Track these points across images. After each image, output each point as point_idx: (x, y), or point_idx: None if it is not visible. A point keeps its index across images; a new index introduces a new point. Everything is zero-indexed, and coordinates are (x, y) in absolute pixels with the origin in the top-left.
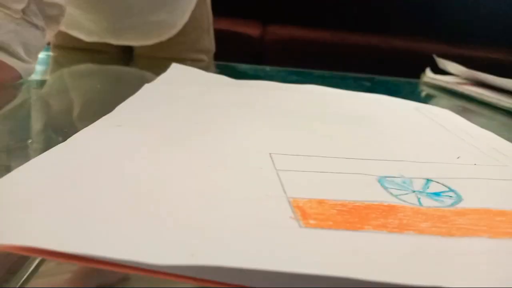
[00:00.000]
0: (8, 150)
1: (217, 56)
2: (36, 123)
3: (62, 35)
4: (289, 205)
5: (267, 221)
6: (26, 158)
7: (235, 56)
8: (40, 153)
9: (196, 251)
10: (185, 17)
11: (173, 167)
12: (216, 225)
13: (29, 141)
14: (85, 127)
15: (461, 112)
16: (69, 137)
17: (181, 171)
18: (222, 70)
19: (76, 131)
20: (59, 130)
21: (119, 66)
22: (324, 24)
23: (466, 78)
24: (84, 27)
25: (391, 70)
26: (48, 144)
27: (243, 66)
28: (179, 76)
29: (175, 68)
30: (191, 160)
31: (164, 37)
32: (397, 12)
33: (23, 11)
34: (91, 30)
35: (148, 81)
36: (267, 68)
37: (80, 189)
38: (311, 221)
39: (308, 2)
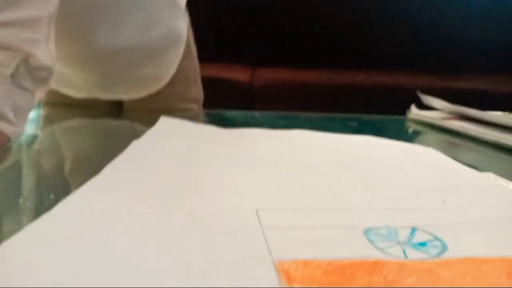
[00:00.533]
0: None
1: (208, 103)
2: (27, 183)
3: (51, 92)
4: (275, 270)
5: None
6: (17, 217)
7: (227, 101)
8: (31, 213)
9: None
10: (172, 70)
11: (158, 234)
12: None
13: (21, 200)
14: (75, 185)
15: (447, 148)
16: (60, 196)
17: (165, 239)
18: (211, 119)
19: (67, 188)
20: (51, 189)
21: (109, 120)
22: (311, 65)
23: (450, 113)
24: (73, 84)
25: (378, 108)
26: (39, 203)
27: (232, 113)
28: (166, 131)
29: (163, 122)
30: (176, 225)
31: (152, 89)
32: (381, 47)
33: (12, 75)
34: (80, 87)
35: (139, 133)
36: (256, 113)
37: (64, 264)
38: (295, 284)
39: (296, 43)
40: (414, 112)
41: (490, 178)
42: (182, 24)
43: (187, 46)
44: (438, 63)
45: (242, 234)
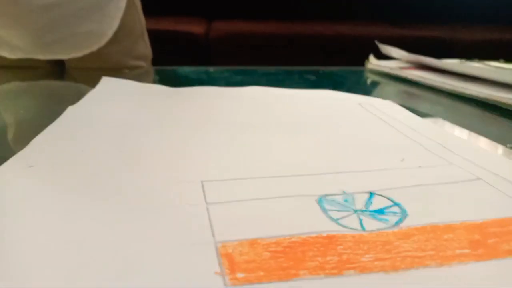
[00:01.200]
0: None
1: (161, 59)
2: None
3: None
4: (216, 254)
5: (188, 280)
6: None
7: (182, 57)
8: None
9: None
10: (115, 25)
11: (81, 219)
12: None
13: None
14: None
15: (405, 98)
16: None
17: (90, 224)
18: (162, 76)
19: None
20: None
21: (50, 81)
22: (269, 16)
23: (409, 62)
24: (5, 44)
25: (337, 59)
26: None
27: (185, 69)
28: (107, 93)
29: (105, 83)
30: (110, 206)
31: (94, 47)
32: None
33: None
34: (14, 47)
35: (83, 94)
36: (211, 69)
37: None
38: (239, 275)
39: None
40: (373, 62)
41: (451, 133)
42: None
43: None
44: (396, 12)
45: (183, 212)
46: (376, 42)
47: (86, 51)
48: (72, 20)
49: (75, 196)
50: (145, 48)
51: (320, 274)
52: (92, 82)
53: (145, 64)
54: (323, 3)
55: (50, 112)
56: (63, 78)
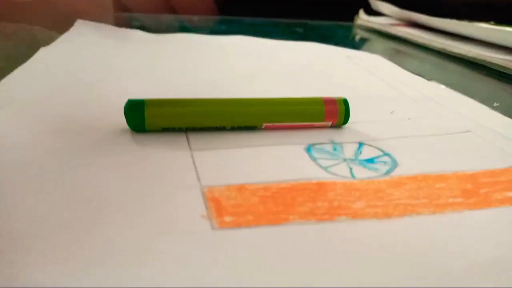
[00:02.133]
0: None
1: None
2: None
3: None
4: (203, 198)
5: (173, 224)
6: None
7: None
8: None
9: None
10: None
11: (65, 159)
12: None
13: None
14: None
15: (394, 55)
16: None
17: (65, 161)
18: (142, 23)
19: None
20: None
21: (3, 24)
22: None
23: (399, 19)
24: None
25: (327, 13)
26: None
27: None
28: (83, 35)
29: (80, 26)
30: (85, 146)
31: None
32: None
33: None
34: None
35: (42, 39)
36: (194, 18)
37: None
38: (227, 218)
39: None
40: (362, 17)
41: (438, 87)
42: None
43: None
44: None
45: (166, 159)
46: None
47: None
48: None
49: (47, 136)
50: None
51: (311, 219)
52: (52, 26)
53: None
54: None
55: (22, 56)
56: (18, 21)
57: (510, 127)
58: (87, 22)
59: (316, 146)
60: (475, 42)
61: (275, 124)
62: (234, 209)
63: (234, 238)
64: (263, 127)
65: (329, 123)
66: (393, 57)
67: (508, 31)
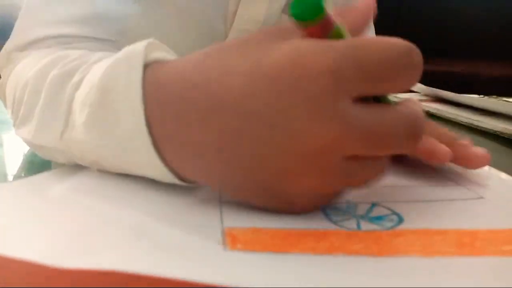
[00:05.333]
0: None
1: None
2: None
3: None
4: (221, 233)
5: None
6: None
7: None
8: None
9: None
10: None
11: None
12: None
13: None
14: None
15: None
16: None
17: None
18: None
19: None
20: None
21: None
22: None
23: (426, 95)
24: None
25: None
26: None
27: None
28: None
29: None
30: None
31: None
32: None
33: None
34: None
35: None
36: None
37: None
38: (238, 246)
39: None
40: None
41: None
42: None
43: None
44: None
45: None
46: None
47: None
48: None
49: None
50: None
51: (310, 252)
52: None
53: None
54: None
55: None
56: None
57: None
58: None
59: (332, 205)
60: (503, 116)
61: None
62: (245, 242)
63: (241, 256)
64: None
65: None
66: None
67: None
